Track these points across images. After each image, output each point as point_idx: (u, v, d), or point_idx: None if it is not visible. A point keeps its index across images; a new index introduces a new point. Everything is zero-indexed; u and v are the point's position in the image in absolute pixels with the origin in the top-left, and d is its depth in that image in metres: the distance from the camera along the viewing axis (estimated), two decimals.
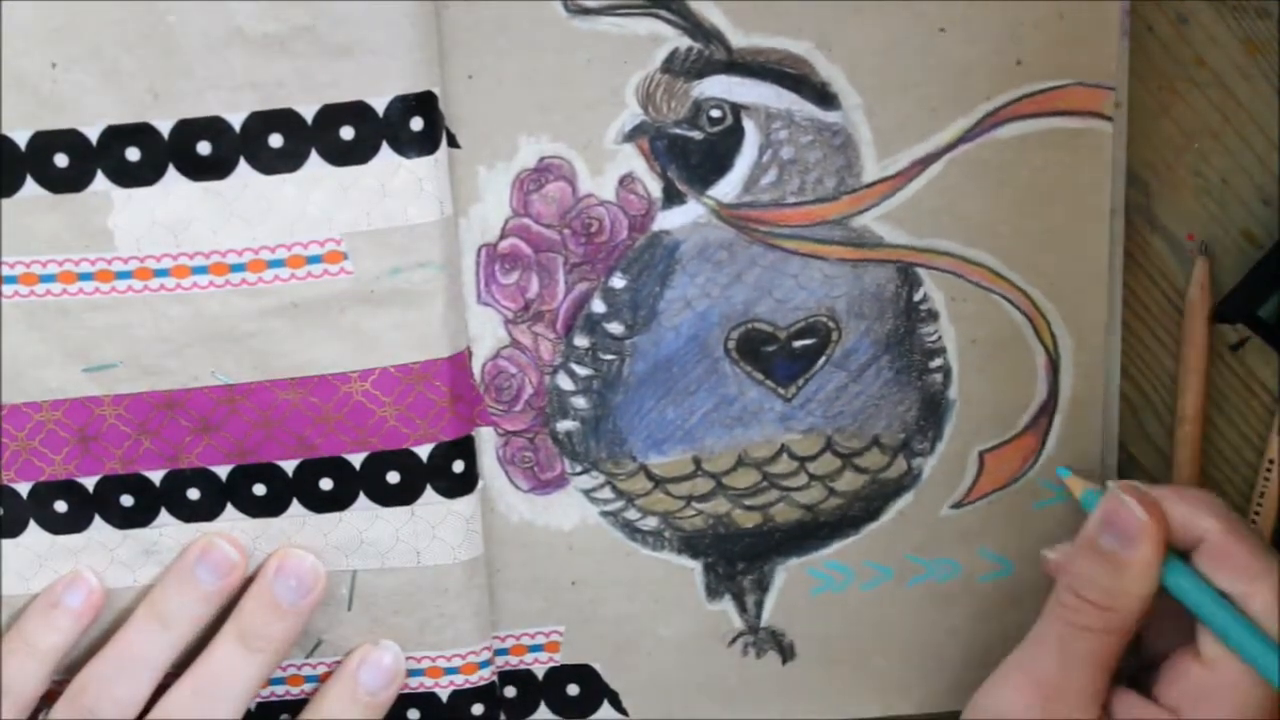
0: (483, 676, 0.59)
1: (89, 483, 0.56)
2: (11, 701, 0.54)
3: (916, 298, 0.57)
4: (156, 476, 0.56)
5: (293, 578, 0.56)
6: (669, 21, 0.54)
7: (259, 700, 0.59)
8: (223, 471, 0.56)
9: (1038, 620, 0.54)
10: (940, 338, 0.57)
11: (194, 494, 0.56)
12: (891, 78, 0.54)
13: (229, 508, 0.56)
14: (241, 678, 0.55)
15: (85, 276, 0.53)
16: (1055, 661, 0.53)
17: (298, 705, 0.58)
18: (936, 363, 0.57)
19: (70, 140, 0.52)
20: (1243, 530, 0.52)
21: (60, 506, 0.56)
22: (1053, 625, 0.53)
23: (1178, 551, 0.53)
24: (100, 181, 0.53)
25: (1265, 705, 0.52)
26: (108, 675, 0.55)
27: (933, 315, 0.57)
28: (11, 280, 0.53)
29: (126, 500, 0.56)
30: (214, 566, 0.56)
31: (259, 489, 0.56)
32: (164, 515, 0.56)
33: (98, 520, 0.56)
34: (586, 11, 0.53)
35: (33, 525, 0.56)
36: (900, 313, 0.57)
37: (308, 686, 0.58)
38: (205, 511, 0.56)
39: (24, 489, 0.56)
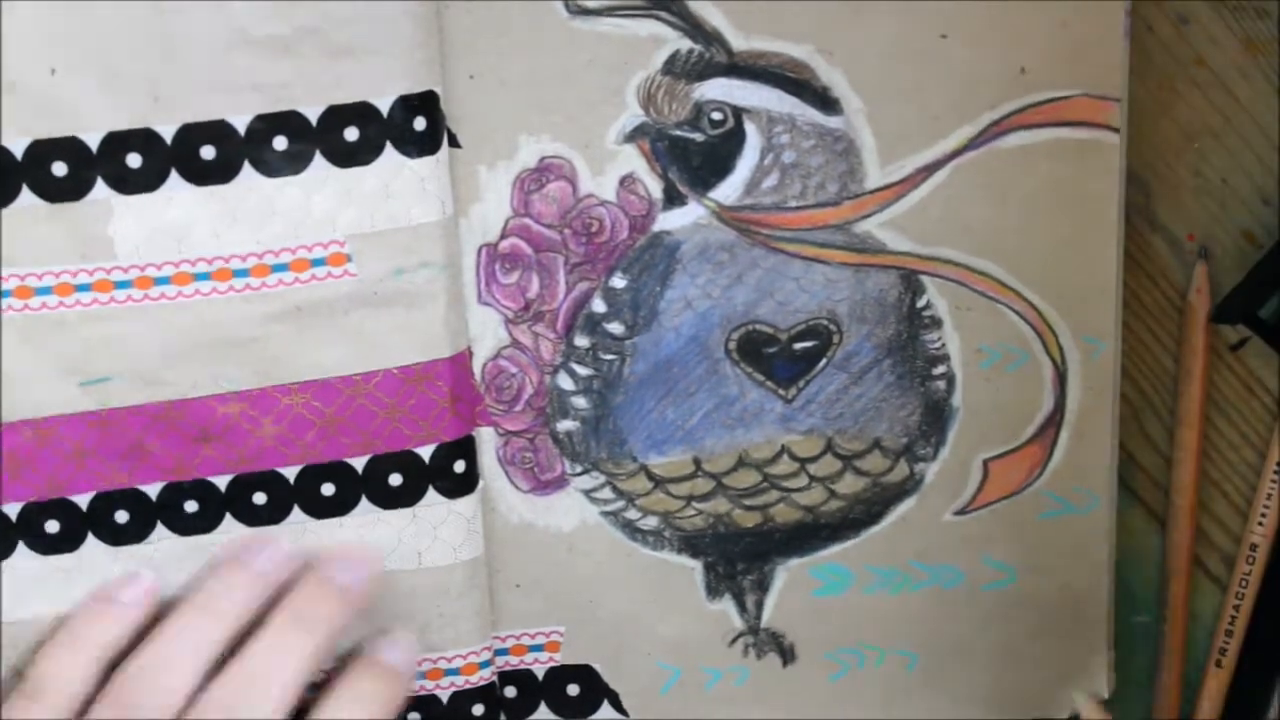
0: (483, 677, 0.59)
1: (82, 500, 0.54)
2: (62, 700, 0.52)
3: (919, 304, 0.56)
4: (153, 491, 0.55)
5: (349, 559, 0.55)
6: (669, 23, 0.53)
7: None
8: (222, 482, 0.55)
9: None
10: (944, 345, 0.57)
11: (191, 506, 0.55)
12: (893, 83, 0.54)
13: (227, 518, 0.55)
14: (294, 660, 0.53)
15: (83, 288, 0.52)
16: None
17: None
18: (939, 370, 0.57)
19: (69, 148, 0.51)
20: None
21: (51, 526, 0.54)
22: None
23: None
24: (100, 189, 0.52)
25: None
26: (153, 667, 0.53)
27: (936, 322, 0.57)
28: (6, 294, 0.52)
29: (121, 516, 0.55)
30: (267, 558, 0.54)
31: (259, 497, 0.55)
32: (160, 529, 0.55)
33: (90, 539, 0.55)
34: (587, 12, 0.53)
35: (21, 547, 0.54)
36: (903, 318, 0.57)
37: None
38: (203, 524, 0.55)
39: (13, 511, 0.54)
